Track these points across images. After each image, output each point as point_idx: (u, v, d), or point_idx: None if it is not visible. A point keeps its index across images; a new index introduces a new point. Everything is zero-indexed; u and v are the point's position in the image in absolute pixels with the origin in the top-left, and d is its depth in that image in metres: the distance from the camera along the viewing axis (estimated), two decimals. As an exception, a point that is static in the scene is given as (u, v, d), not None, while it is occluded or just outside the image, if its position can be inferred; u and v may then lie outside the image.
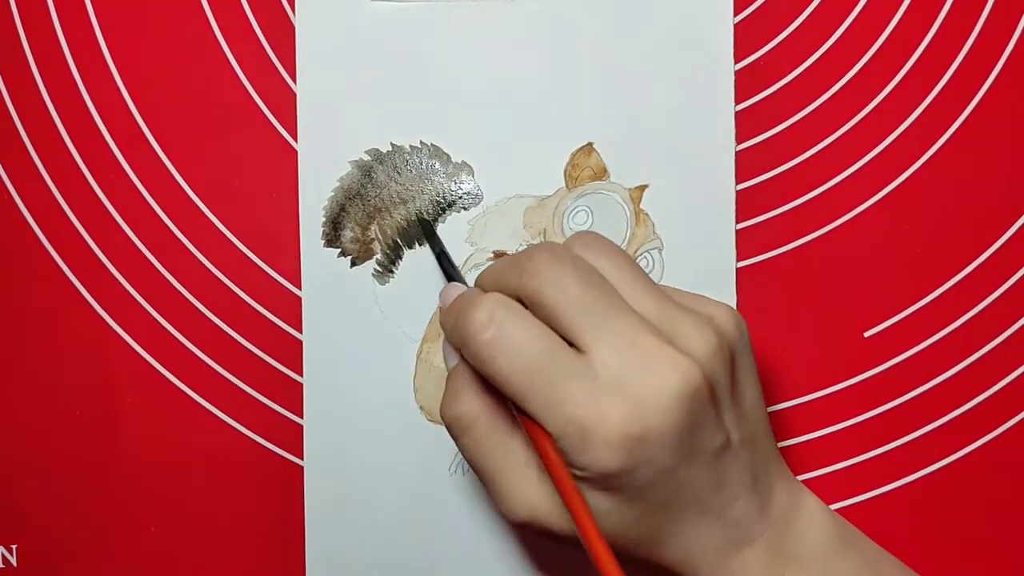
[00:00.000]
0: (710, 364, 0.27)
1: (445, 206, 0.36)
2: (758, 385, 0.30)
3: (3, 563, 0.37)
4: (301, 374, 0.36)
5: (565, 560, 0.36)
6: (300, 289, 0.36)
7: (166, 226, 0.37)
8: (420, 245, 0.36)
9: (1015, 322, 0.36)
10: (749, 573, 0.29)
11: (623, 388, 0.26)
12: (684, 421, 0.26)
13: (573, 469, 0.26)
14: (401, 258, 0.36)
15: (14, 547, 0.37)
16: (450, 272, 0.34)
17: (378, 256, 0.36)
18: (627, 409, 0.26)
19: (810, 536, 0.31)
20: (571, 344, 0.27)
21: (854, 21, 0.36)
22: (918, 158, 0.36)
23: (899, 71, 0.36)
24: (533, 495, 0.28)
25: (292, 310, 0.36)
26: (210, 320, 0.37)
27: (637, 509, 0.27)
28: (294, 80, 0.36)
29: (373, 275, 0.36)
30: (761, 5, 0.36)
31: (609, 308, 0.27)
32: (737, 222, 0.36)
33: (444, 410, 0.29)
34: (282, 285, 0.37)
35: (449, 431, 0.30)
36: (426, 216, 0.36)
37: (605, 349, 0.26)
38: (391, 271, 0.36)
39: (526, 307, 0.28)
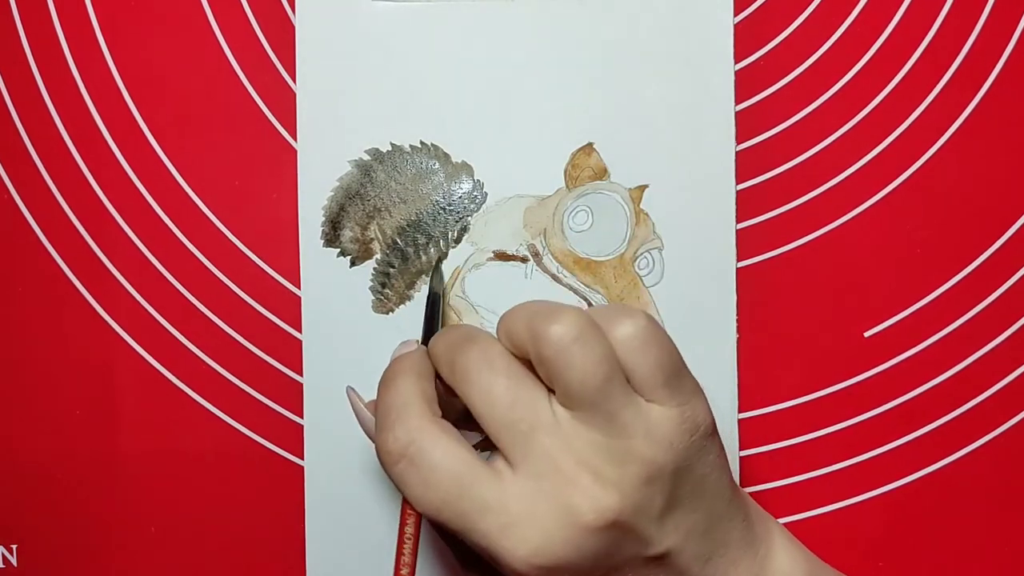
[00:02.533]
0: (643, 487, 0.27)
1: (444, 205, 0.36)
2: (721, 462, 0.29)
3: (3, 563, 0.37)
4: (301, 374, 0.36)
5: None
6: (300, 289, 0.36)
7: (166, 226, 0.37)
8: (419, 246, 0.36)
9: (1015, 322, 0.36)
10: None
11: (535, 520, 0.26)
12: (599, 550, 0.26)
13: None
14: (405, 260, 0.36)
15: (14, 547, 0.37)
16: (430, 316, 0.34)
17: (377, 256, 0.36)
18: (536, 543, 0.26)
19: None
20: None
21: (854, 21, 0.36)
22: (918, 158, 0.36)
23: (899, 71, 0.36)
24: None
25: (292, 310, 0.36)
26: (210, 320, 0.37)
27: None
28: (294, 80, 0.36)
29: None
30: (761, 5, 0.36)
31: (535, 428, 0.27)
32: (737, 222, 0.36)
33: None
34: (282, 285, 0.37)
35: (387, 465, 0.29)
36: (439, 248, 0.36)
37: (524, 473, 0.27)
38: (389, 280, 0.36)
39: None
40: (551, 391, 0.28)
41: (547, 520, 0.26)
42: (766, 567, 0.30)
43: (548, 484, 0.26)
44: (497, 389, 0.27)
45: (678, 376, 0.28)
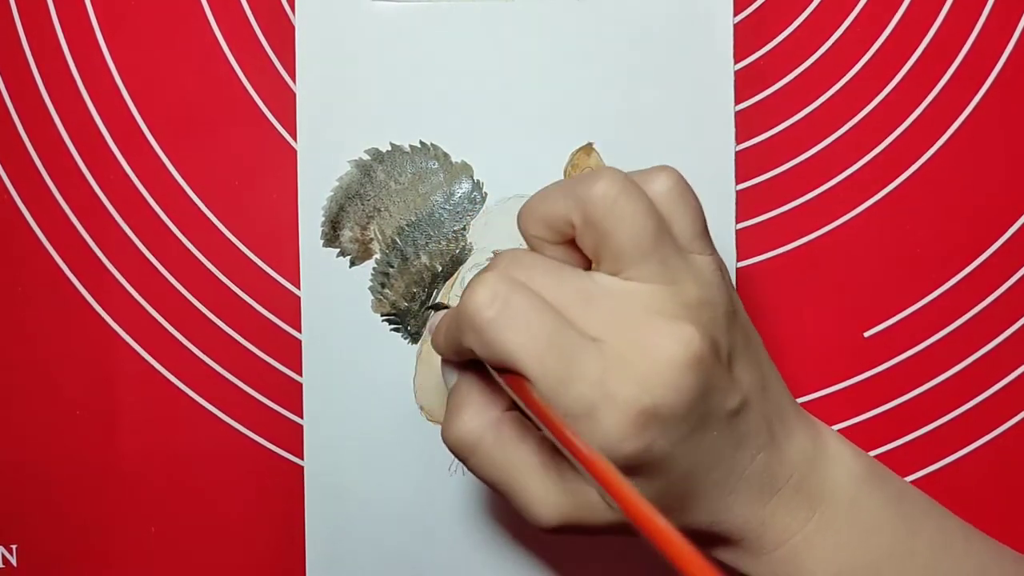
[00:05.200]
0: (715, 322, 0.27)
1: (444, 205, 0.36)
2: (753, 326, 0.30)
3: (3, 563, 0.37)
4: (301, 374, 0.36)
5: (564, 560, 0.36)
6: (299, 289, 0.36)
7: (166, 226, 0.37)
8: (419, 246, 0.36)
9: (1015, 322, 0.36)
10: (779, 522, 0.29)
11: (628, 368, 0.25)
12: (692, 391, 0.26)
13: None
14: (405, 260, 0.36)
15: (14, 547, 0.37)
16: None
17: (377, 256, 0.36)
18: (636, 388, 0.25)
19: (834, 475, 0.30)
20: None
21: (854, 21, 0.36)
22: (918, 158, 0.36)
23: (899, 71, 0.36)
24: (558, 495, 0.27)
25: (291, 310, 0.36)
26: (210, 320, 0.37)
27: (657, 484, 0.27)
28: (294, 80, 0.36)
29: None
30: (761, 5, 0.36)
31: (590, 298, 0.27)
32: (737, 222, 0.36)
33: (446, 433, 0.29)
34: (281, 285, 0.37)
35: (455, 454, 0.29)
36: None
37: (602, 336, 0.26)
38: (388, 280, 0.36)
39: None
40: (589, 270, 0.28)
41: (642, 364, 0.25)
42: (821, 441, 0.31)
43: (628, 337, 0.26)
44: (540, 268, 0.27)
45: (706, 226, 0.29)
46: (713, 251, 0.28)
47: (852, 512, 0.30)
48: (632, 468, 0.26)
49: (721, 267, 0.28)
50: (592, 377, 0.25)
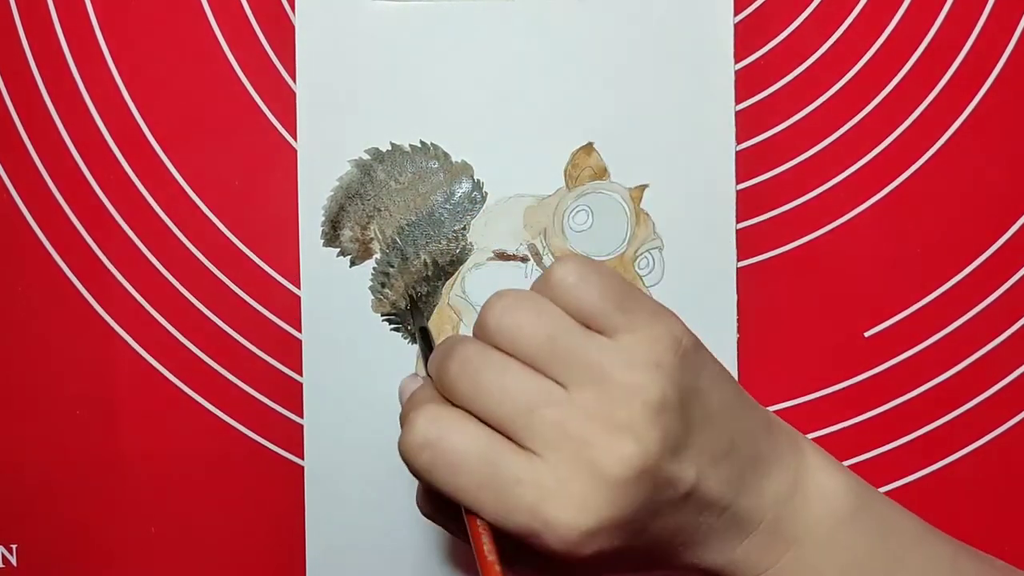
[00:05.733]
0: (654, 421, 0.26)
1: (444, 205, 0.36)
2: (722, 374, 0.29)
3: (3, 563, 0.37)
4: (301, 374, 0.36)
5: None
6: (299, 289, 0.36)
7: (166, 226, 0.37)
8: (419, 246, 0.36)
9: (1015, 322, 0.36)
10: (750, 560, 0.29)
11: (568, 488, 0.25)
12: (636, 502, 0.26)
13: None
14: (405, 260, 0.36)
15: (14, 547, 0.37)
16: (424, 350, 0.33)
17: (377, 256, 0.36)
18: (575, 510, 0.25)
19: (813, 512, 0.29)
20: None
21: (854, 21, 0.36)
22: (918, 158, 0.36)
23: (899, 71, 0.36)
24: None
25: (292, 310, 0.36)
26: (210, 320, 0.37)
27: (619, 566, 0.27)
28: (294, 80, 0.36)
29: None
30: (761, 5, 0.36)
31: (532, 407, 0.26)
32: (737, 222, 0.36)
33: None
34: (282, 284, 0.37)
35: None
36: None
37: (542, 450, 0.26)
38: (388, 279, 0.36)
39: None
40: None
41: (579, 485, 0.25)
42: (802, 479, 0.29)
43: (567, 452, 0.26)
44: (484, 383, 0.27)
45: (630, 298, 0.27)
46: (647, 321, 0.27)
47: (830, 547, 0.29)
48: (589, 566, 0.26)
49: (658, 336, 0.27)
50: (529, 508, 0.25)
